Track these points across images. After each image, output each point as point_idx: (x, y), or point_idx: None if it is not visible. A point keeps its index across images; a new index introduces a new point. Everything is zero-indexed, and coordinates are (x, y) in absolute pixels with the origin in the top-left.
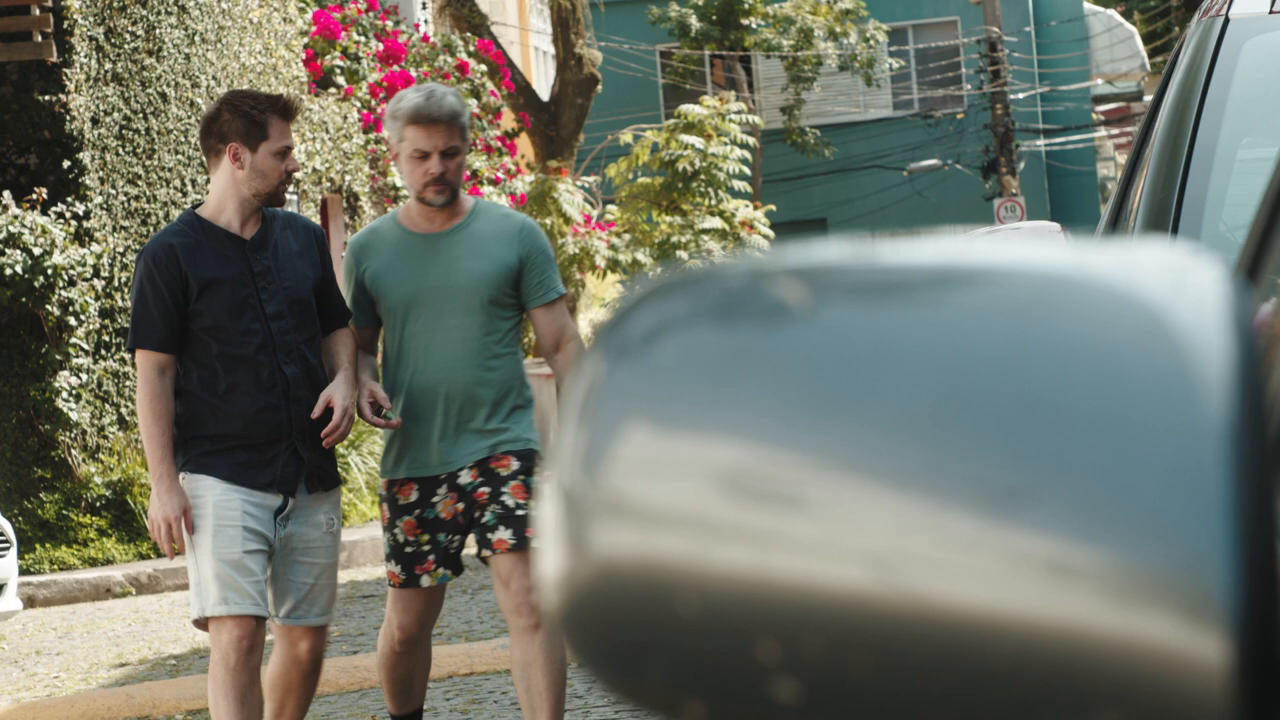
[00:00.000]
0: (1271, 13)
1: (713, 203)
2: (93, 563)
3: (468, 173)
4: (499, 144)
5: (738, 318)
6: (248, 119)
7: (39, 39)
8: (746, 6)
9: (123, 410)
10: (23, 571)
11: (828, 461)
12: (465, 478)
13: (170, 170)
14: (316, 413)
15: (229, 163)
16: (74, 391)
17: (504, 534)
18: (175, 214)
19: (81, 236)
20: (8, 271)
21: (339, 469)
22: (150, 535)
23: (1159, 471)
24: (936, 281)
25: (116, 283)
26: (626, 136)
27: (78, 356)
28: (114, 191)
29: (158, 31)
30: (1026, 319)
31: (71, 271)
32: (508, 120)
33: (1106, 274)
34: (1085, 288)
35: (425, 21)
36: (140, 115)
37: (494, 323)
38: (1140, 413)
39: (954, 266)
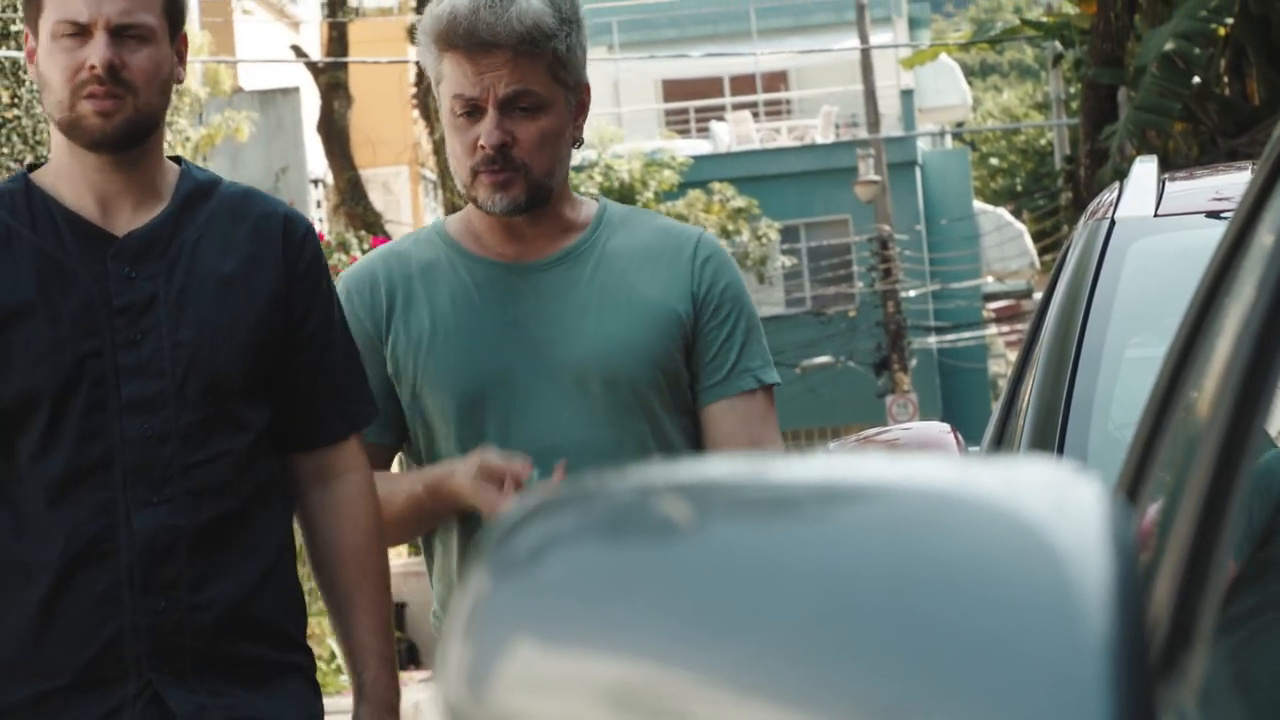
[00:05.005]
0: (1156, 216)
1: None
2: None
3: None
4: None
5: (624, 534)
6: None
7: None
8: (639, 204)
9: None
10: None
11: (713, 679)
12: None
13: None
14: None
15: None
16: None
17: None
18: None
19: None
20: None
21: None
22: None
23: (1041, 689)
24: (822, 499)
25: None
26: None
27: None
28: None
29: None
30: (911, 537)
31: None
32: None
33: (989, 493)
34: (968, 506)
35: (320, 220)
36: None
37: (655, 431)
38: (1022, 631)
39: (839, 484)
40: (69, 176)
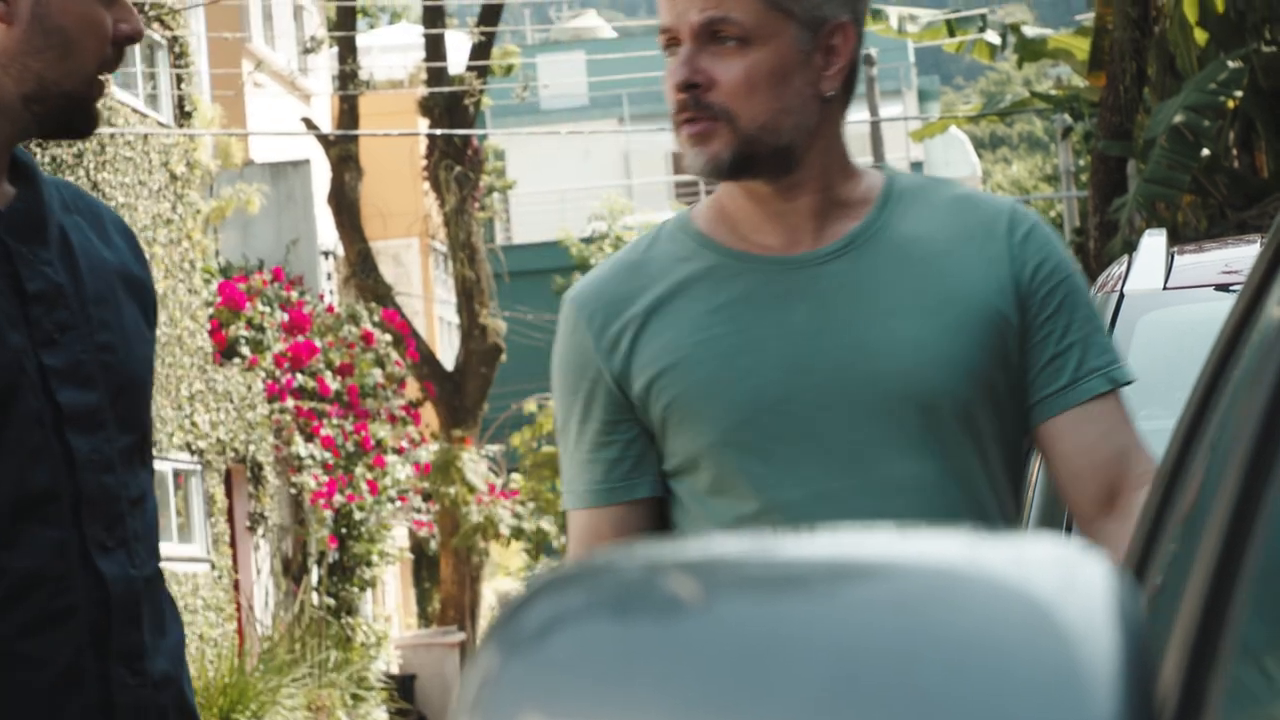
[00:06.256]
0: (1165, 289)
1: None
2: None
3: (370, 439)
4: (403, 413)
5: (632, 611)
6: None
7: None
8: None
9: None
10: None
11: None
12: None
13: None
14: None
15: None
16: None
17: None
18: None
19: None
20: None
21: None
22: None
23: None
24: (830, 576)
25: None
26: (531, 405)
27: None
28: None
29: None
30: (919, 614)
31: None
32: (412, 390)
33: (997, 570)
34: (976, 583)
35: (330, 292)
36: None
37: (982, 464)
38: (1030, 709)
39: (846, 561)
40: None
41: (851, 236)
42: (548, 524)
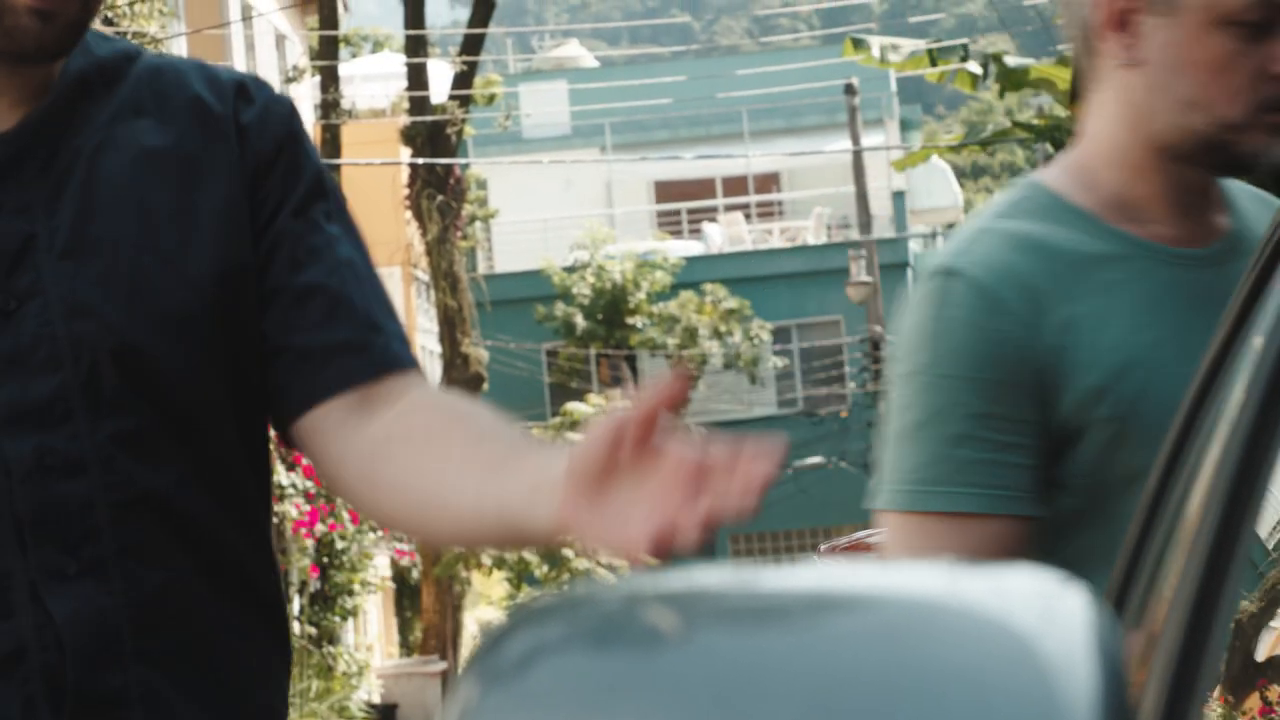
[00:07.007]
0: None
1: None
2: None
3: None
4: None
5: (611, 643)
6: None
7: None
8: (632, 305)
9: None
10: None
11: None
12: None
13: None
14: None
15: None
16: None
17: None
18: None
19: None
20: None
21: None
22: None
23: None
24: (809, 608)
25: None
26: None
27: None
28: None
29: None
30: (898, 646)
31: None
32: None
33: (977, 601)
34: (956, 615)
35: None
36: None
37: None
38: None
39: (827, 593)
40: None
41: (1230, 239)
42: (529, 553)
